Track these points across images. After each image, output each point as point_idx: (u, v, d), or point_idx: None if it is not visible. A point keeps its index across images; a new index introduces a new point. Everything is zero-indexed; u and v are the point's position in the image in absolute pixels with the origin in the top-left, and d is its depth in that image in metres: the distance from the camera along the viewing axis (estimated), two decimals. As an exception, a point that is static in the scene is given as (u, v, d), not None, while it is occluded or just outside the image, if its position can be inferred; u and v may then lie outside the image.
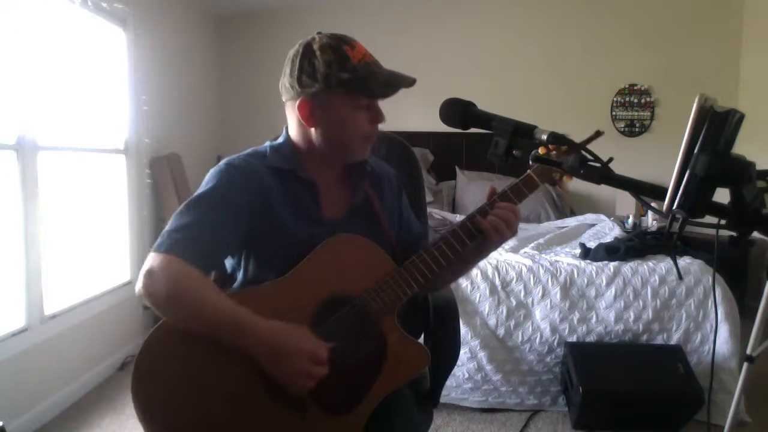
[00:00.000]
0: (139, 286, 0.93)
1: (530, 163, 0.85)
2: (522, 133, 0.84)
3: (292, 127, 1.12)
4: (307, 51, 1.04)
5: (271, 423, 1.00)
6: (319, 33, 1.07)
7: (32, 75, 2.31)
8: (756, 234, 0.69)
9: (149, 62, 3.30)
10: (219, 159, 4.68)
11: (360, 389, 1.05)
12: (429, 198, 3.90)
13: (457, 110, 0.93)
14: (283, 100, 1.11)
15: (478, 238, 1.09)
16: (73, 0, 2.60)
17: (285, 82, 1.08)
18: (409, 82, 1.05)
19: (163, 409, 0.96)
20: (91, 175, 2.86)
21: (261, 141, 1.20)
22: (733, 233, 0.68)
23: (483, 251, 1.16)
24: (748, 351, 1.64)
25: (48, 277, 2.39)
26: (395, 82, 1.04)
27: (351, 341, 1.04)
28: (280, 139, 1.15)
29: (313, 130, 1.08)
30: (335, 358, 0.98)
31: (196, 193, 1.03)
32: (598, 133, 0.94)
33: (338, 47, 1.03)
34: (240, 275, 1.10)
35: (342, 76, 1.01)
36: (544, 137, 0.81)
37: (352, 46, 1.04)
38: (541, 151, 0.84)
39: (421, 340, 1.39)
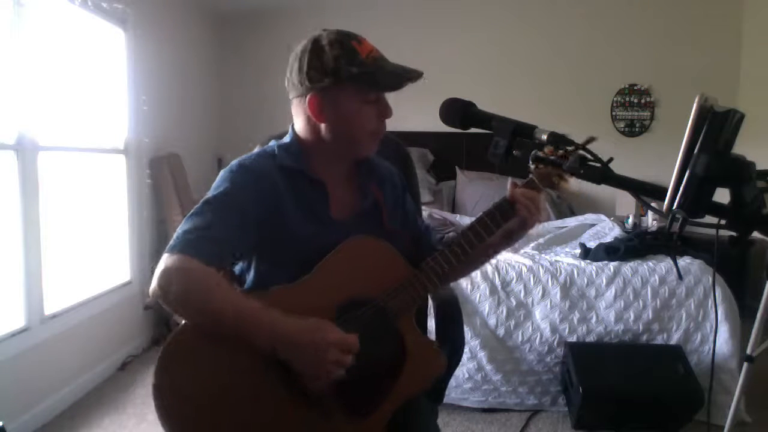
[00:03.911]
0: (153, 286, 0.92)
1: (530, 163, 0.85)
2: (522, 133, 0.84)
3: (300, 124, 1.11)
4: (315, 46, 1.03)
5: (295, 425, 1.00)
6: (324, 29, 1.06)
7: (32, 75, 2.31)
8: (756, 234, 0.69)
9: (149, 62, 3.30)
10: (219, 159, 4.64)
11: (382, 390, 1.06)
12: (429, 198, 3.90)
13: (457, 110, 0.93)
14: (290, 98, 1.10)
15: (502, 226, 1.10)
16: (73, 0, 2.60)
17: (293, 79, 1.07)
18: (417, 74, 1.05)
19: (185, 403, 0.94)
20: (91, 175, 2.85)
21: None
22: (733, 233, 0.68)
23: (503, 243, 1.17)
24: (748, 351, 1.65)
25: (48, 277, 2.39)
26: (404, 75, 1.04)
27: (371, 342, 1.03)
28: (287, 138, 1.13)
29: (322, 125, 1.07)
30: (357, 359, 0.98)
31: (209, 195, 1.03)
32: (591, 139, 0.95)
33: (346, 42, 1.03)
34: (250, 276, 1.10)
35: (351, 70, 1.01)
36: (544, 137, 0.81)
37: (359, 42, 1.05)
38: (547, 151, 0.84)
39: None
